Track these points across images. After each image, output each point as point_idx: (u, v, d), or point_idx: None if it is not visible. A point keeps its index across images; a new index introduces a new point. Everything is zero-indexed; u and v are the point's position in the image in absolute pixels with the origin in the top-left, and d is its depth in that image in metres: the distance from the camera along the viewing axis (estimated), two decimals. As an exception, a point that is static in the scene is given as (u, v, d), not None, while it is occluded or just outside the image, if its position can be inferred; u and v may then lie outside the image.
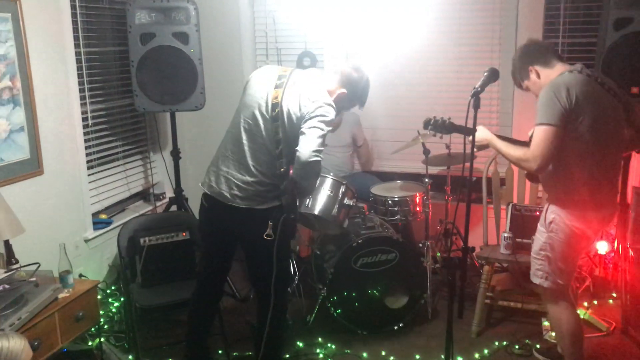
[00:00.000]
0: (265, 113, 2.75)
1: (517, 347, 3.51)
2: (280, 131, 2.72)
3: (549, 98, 2.64)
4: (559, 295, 2.96)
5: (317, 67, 4.96)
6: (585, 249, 3.00)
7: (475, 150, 2.84)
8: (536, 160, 2.67)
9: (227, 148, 2.85)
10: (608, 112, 2.74)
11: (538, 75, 2.84)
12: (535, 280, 2.98)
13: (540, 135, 2.66)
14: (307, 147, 2.61)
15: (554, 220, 2.83)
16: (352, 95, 2.92)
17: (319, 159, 2.63)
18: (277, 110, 2.71)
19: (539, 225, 2.95)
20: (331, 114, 2.70)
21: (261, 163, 2.76)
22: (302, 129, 2.65)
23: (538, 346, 3.46)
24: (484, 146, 2.97)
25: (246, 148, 2.78)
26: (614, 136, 2.78)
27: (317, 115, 2.65)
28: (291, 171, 2.72)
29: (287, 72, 2.82)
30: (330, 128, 2.70)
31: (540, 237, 2.92)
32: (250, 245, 2.90)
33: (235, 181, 2.78)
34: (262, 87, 2.80)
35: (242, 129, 2.80)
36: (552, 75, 2.77)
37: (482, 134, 2.94)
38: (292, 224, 2.87)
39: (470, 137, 2.80)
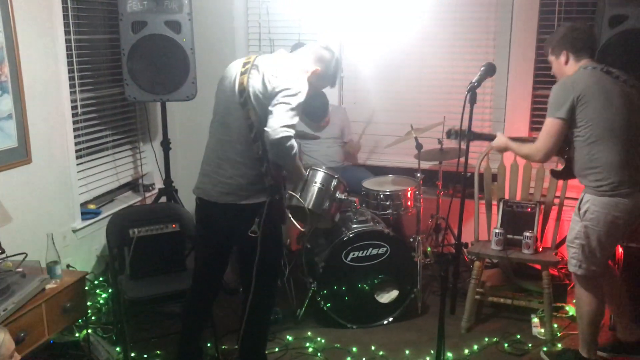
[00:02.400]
0: (235, 102, 2.73)
1: (506, 344, 3.51)
2: (252, 114, 2.69)
3: (558, 92, 2.88)
4: (590, 282, 3.05)
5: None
6: (621, 237, 3.11)
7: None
8: (539, 152, 2.94)
9: (209, 148, 2.87)
10: (617, 99, 2.86)
11: (566, 61, 2.99)
12: (570, 268, 3.07)
13: (545, 128, 2.91)
14: (274, 123, 2.56)
15: (588, 209, 2.92)
16: (325, 73, 2.90)
17: (288, 133, 2.56)
18: (244, 95, 2.70)
19: (573, 215, 3.03)
20: (297, 87, 2.64)
21: (240, 153, 2.74)
22: (270, 108, 2.62)
23: (545, 349, 3.45)
24: (502, 150, 3.28)
25: (225, 142, 2.79)
26: (631, 121, 2.88)
27: (281, 90, 2.61)
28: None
29: (251, 59, 2.80)
30: (300, 101, 2.65)
31: (574, 226, 3.01)
32: (239, 241, 2.88)
33: (219, 177, 2.78)
34: (229, 79, 2.80)
35: (219, 125, 2.82)
36: (574, 68, 2.96)
37: (500, 140, 3.21)
38: (279, 207, 2.82)
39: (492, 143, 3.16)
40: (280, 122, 2.56)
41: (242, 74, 2.74)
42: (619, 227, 2.92)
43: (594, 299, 3.06)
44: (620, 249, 3.70)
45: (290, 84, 2.63)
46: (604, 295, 3.13)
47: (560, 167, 3.22)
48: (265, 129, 2.58)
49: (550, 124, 2.89)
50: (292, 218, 3.35)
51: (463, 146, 2.78)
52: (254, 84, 2.69)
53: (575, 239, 2.99)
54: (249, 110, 2.69)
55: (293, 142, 2.61)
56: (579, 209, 2.96)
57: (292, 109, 2.61)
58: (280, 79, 2.64)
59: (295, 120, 2.63)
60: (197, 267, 3.09)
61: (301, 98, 2.65)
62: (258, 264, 2.80)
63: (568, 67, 2.98)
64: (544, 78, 4.41)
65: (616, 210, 2.87)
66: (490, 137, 3.19)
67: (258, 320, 2.98)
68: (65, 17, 3.87)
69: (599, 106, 2.83)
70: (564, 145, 3.00)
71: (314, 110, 4.43)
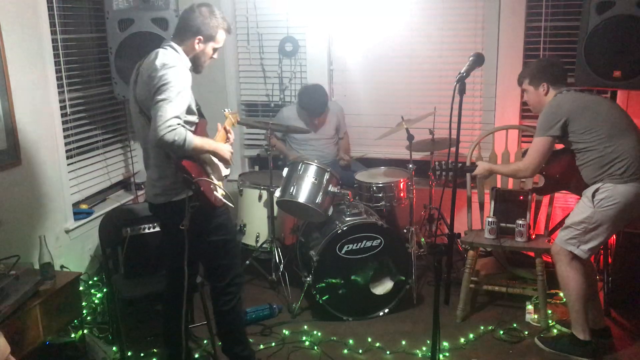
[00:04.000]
0: (136, 112, 2.73)
1: (502, 332, 3.53)
2: (148, 121, 2.63)
3: (547, 113, 3.13)
4: (577, 260, 3.16)
5: (298, 53, 4.93)
6: (622, 227, 3.29)
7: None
8: (529, 170, 3.20)
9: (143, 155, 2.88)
10: (604, 103, 3.18)
11: (546, 92, 3.23)
12: (568, 247, 3.14)
13: (533, 146, 3.16)
14: (153, 128, 2.50)
15: (605, 197, 3.03)
16: (208, 36, 2.76)
17: (168, 130, 2.46)
18: (138, 104, 2.69)
19: (584, 199, 3.12)
20: (167, 76, 2.53)
21: (156, 157, 2.73)
22: (152, 109, 2.56)
23: (526, 332, 3.50)
24: (487, 176, 3.51)
25: (145, 150, 2.80)
26: (619, 116, 3.14)
27: (156, 90, 2.53)
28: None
29: (142, 62, 2.73)
30: (177, 86, 2.53)
31: (584, 211, 3.10)
32: (174, 236, 2.81)
33: (151, 181, 2.81)
34: (130, 87, 2.78)
35: (137, 134, 2.84)
36: (543, 99, 3.25)
37: (482, 166, 3.42)
38: (198, 197, 2.71)
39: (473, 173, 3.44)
40: (159, 121, 2.48)
41: (134, 82, 2.72)
42: (630, 214, 3.09)
43: (580, 274, 3.16)
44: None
45: (165, 77, 2.54)
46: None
47: (540, 184, 3.47)
48: (150, 131, 2.54)
49: (541, 142, 3.12)
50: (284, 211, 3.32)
51: (454, 135, 2.78)
52: (140, 90, 2.66)
53: (582, 223, 3.09)
54: (144, 117, 2.67)
55: (176, 132, 2.49)
56: (593, 196, 3.05)
57: (170, 101, 2.51)
58: (155, 76, 2.55)
59: (177, 109, 2.53)
60: (168, 267, 3.07)
61: (178, 84, 2.55)
62: (212, 254, 2.87)
63: (547, 98, 3.22)
64: (533, 66, 4.42)
65: (634, 196, 3.01)
66: (470, 169, 3.47)
67: (226, 310, 3.00)
68: (51, 16, 3.83)
69: (590, 115, 3.06)
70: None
71: (313, 107, 4.42)
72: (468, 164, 3.88)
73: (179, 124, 2.52)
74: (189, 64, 2.76)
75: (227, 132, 2.95)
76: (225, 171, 2.94)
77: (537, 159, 3.16)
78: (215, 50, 2.84)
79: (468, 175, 3.87)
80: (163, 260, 3.21)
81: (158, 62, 2.59)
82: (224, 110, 3.05)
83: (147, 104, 2.60)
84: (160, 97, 2.52)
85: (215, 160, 2.84)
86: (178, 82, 2.56)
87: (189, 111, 2.68)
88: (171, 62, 2.61)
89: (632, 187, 3.00)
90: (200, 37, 2.75)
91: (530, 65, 3.36)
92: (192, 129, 2.72)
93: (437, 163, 3.58)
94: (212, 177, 2.81)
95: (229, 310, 2.99)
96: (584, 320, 3.20)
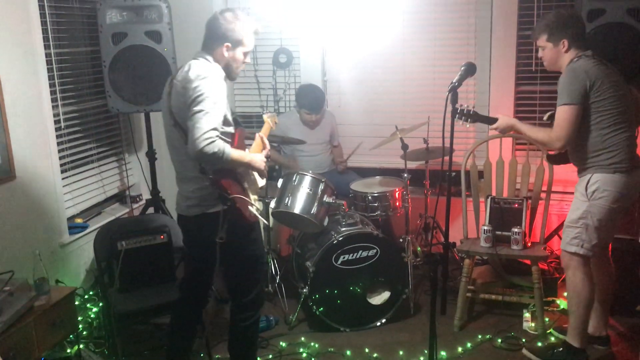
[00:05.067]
0: (170, 125, 2.72)
1: (499, 340, 3.53)
2: (184, 134, 2.63)
3: (569, 80, 2.90)
4: (586, 264, 3.09)
5: (292, 64, 4.94)
6: (620, 218, 3.17)
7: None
8: (560, 140, 2.94)
9: (174, 167, 2.86)
10: (622, 85, 3.00)
11: (567, 49, 3.01)
12: (571, 248, 3.07)
13: (562, 115, 2.91)
14: (191, 140, 2.50)
15: (598, 188, 2.96)
16: (236, 41, 2.73)
17: (209, 142, 2.47)
18: (173, 117, 2.67)
19: (577, 197, 3.05)
20: (203, 87, 2.54)
21: (192, 169, 2.72)
22: (187, 121, 2.56)
23: (524, 340, 3.49)
24: (508, 129, 3.20)
25: (179, 162, 2.78)
26: (631, 104, 3.04)
27: (192, 101, 2.54)
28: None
29: (174, 75, 2.74)
30: (213, 97, 2.53)
31: (580, 207, 3.03)
32: (209, 249, 2.80)
33: (184, 193, 2.79)
34: (163, 100, 2.78)
35: (169, 147, 2.81)
36: (569, 57, 3.01)
37: (505, 120, 3.17)
38: (233, 212, 2.71)
39: (492, 126, 3.17)
40: (196, 134, 2.48)
41: (168, 94, 2.70)
42: (623, 205, 3.04)
43: (589, 281, 3.10)
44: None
45: (199, 88, 2.54)
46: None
47: (553, 152, 3.27)
48: (187, 145, 2.54)
49: (567, 111, 2.90)
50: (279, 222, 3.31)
51: (447, 144, 2.78)
52: (175, 102, 2.65)
53: (580, 219, 3.03)
54: (180, 130, 2.66)
55: (215, 146, 2.50)
56: (586, 189, 3.00)
57: (206, 113, 2.51)
58: (189, 88, 2.56)
59: (214, 121, 2.52)
60: (185, 279, 3.07)
61: (214, 96, 2.55)
62: (240, 269, 2.81)
63: (567, 56, 3.02)
64: (526, 74, 4.45)
65: (624, 188, 2.96)
66: (490, 120, 3.19)
67: (246, 325, 2.97)
68: (44, 31, 3.84)
69: (610, 93, 2.91)
70: None
71: (313, 102, 4.42)
72: (463, 173, 3.88)
73: (217, 136, 2.52)
74: (223, 73, 2.74)
75: (262, 140, 2.93)
76: (261, 182, 2.95)
77: (568, 129, 2.92)
78: (246, 54, 2.81)
79: (463, 183, 3.88)
80: (163, 273, 3.22)
81: (192, 74, 2.59)
82: (263, 115, 3.05)
83: (183, 115, 2.60)
84: (196, 109, 2.51)
85: (251, 171, 2.86)
86: (213, 93, 2.56)
87: (225, 122, 2.67)
88: (204, 72, 2.60)
89: (620, 177, 2.95)
90: (228, 44, 2.72)
91: (548, 17, 3.07)
92: (229, 140, 2.71)
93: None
94: (248, 191, 2.82)
95: (249, 326, 2.97)
96: (583, 328, 3.17)
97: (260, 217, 2.83)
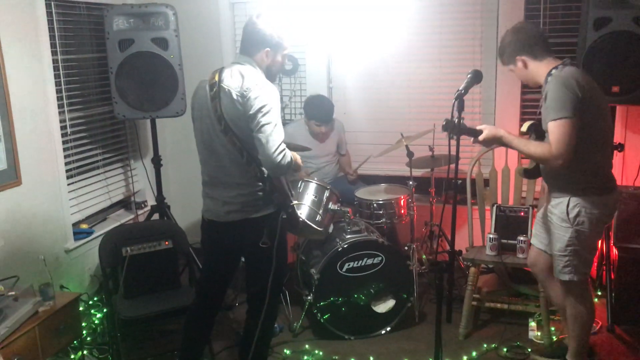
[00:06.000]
0: (216, 130, 2.70)
1: (505, 349, 3.50)
2: (236, 140, 2.66)
3: (562, 92, 2.67)
4: (585, 287, 3.01)
5: (298, 71, 4.95)
6: (601, 235, 3.09)
7: (484, 147, 2.86)
8: (562, 157, 2.68)
9: (205, 173, 2.85)
10: (604, 100, 2.87)
11: (525, 65, 2.88)
12: (564, 277, 2.95)
13: (559, 130, 2.67)
14: (267, 151, 2.55)
15: (579, 213, 2.83)
16: (275, 45, 2.76)
17: (283, 154, 2.58)
18: (223, 123, 2.66)
19: (558, 223, 2.90)
20: (268, 98, 2.58)
21: (239, 176, 2.73)
22: (253, 132, 2.59)
23: (529, 350, 3.47)
24: (492, 142, 2.89)
25: (219, 168, 2.77)
26: (610, 121, 2.95)
27: (257, 110, 2.57)
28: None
29: (216, 78, 2.73)
30: (277, 110, 2.61)
31: (564, 234, 2.89)
32: (251, 254, 2.87)
33: (224, 198, 2.78)
34: (202, 105, 2.76)
35: (208, 152, 2.80)
36: (542, 68, 2.83)
37: (490, 131, 2.84)
38: (291, 217, 2.87)
39: (479, 138, 2.84)
40: (271, 147, 2.55)
41: (213, 99, 2.69)
42: (605, 224, 2.98)
43: (590, 302, 3.04)
44: (615, 250, 3.72)
45: (262, 98, 2.58)
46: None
47: (531, 165, 3.11)
48: (260, 157, 2.59)
49: (565, 125, 2.66)
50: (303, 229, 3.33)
51: (453, 152, 2.76)
52: (228, 109, 2.65)
53: (568, 247, 2.88)
54: (232, 136, 2.67)
55: (287, 156, 2.62)
56: (567, 214, 2.86)
57: (275, 125, 2.58)
58: (250, 97, 2.58)
59: (282, 132, 2.62)
60: (202, 284, 3.07)
61: (277, 106, 2.63)
62: (274, 273, 2.82)
63: (534, 69, 2.86)
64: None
65: (605, 208, 2.87)
66: (476, 133, 2.85)
67: (267, 329, 2.99)
68: (52, 37, 3.87)
69: (595, 107, 2.74)
70: None
71: (322, 113, 4.42)
72: (468, 181, 3.87)
73: (285, 148, 2.59)
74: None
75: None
76: None
77: (569, 145, 2.67)
78: (284, 56, 2.84)
79: (468, 191, 3.86)
80: (168, 280, 3.23)
81: (249, 82, 2.62)
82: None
83: (242, 124, 2.62)
84: (264, 121, 2.55)
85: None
86: (276, 103, 2.61)
87: None
88: (261, 81, 2.65)
89: (600, 199, 2.83)
90: (268, 49, 2.75)
91: (503, 39, 2.94)
92: None
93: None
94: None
95: (266, 329, 2.98)
96: (586, 347, 3.13)
97: (309, 222, 2.97)
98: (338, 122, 4.72)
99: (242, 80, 2.63)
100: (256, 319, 2.90)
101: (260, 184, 2.73)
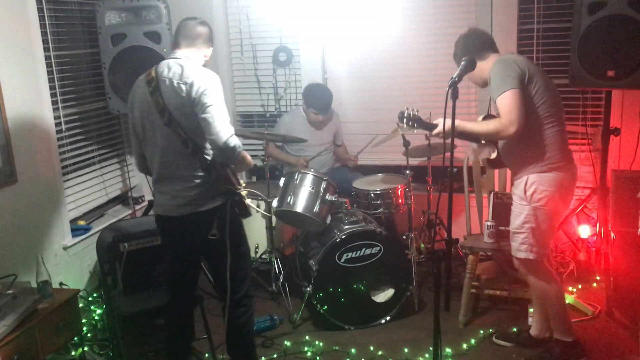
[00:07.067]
0: (159, 124, 2.70)
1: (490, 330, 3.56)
2: (180, 131, 2.66)
3: (501, 69, 2.84)
4: (542, 266, 3.06)
5: (292, 62, 4.93)
6: (564, 213, 3.16)
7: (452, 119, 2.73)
8: (514, 124, 2.77)
9: (154, 169, 2.84)
10: (548, 78, 2.97)
11: (483, 59, 3.00)
12: (521, 254, 3.03)
13: (506, 101, 2.79)
14: (213, 129, 2.59)
15: (535, 190, 2.91)
16: (205, 40, 2.87)
17: (234, 139, 2.63)
18: (166, 115, 2.66)
19: (517, 201, 3.01)
20: (210, 82, 2.65)
21: (185, 168, 2.74)
22: (201, 116, 2.60)
23: (492, 331, 3.53)
24: (448, 134, 2.76)
25: (166, 163, 2.76)
26: (560, 99, 3.00)
27: (201, 93, 2.60)
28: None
29: (152, 74, 2.74)
30: (221, 93, 2.66)
31: (521, 211, 2.99)
32: (206, 248, 2.86)
33: (173, 192, 2.78)
34: (142, 103, 2.76)
35: (153, 148, 2.79)
36: (486, 65, 2.96)
37: (444, 124, 2.80)
38: (240, 205, 2.82)
39: (433, 132, 2.95)
40: (218, 125, 2.59)
41: (153, 93, 2.69)
42: (565, 201, 3.01)
43: (553, 278, 3.08)
44: (612, 235, 3.72)
45: (204, 82, 2.63)
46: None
47: (494, 155, 3.20)
48: (208, 137, 2.62)
49: (509, 96, 2.77)
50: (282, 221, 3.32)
51: (448, 141, 2.76)
52: (171, 98, 2.65)
53: (525, 224, 2.97)
54: (176, 127, 2.66)
55: (235, 138, 2.65)
56: (525, 192, 2.94)
57: (220, 105, 2.63)
58: (193, 82, 2.62)
59: (227, 113, 2.67)
60: (170, 282, 3.05)
61: (219, 89, 2.68)
62: (231, 265, 2.81)
63: (480, 67, 2.93)
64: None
65: (562, 185, 2.92)
66: (431, 127, 2.97)
67: (241, 322, 2.97)
68: (44, 33, 3.84)
69: (540, 85, 2.85)
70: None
71: (322, 102, 4.43)
72: (465, 168, 3.86)
73: (233, 130, 2.63)
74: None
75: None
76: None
77: (518, 111, 2.76)
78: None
79: (465, 179, 3.86)
80: (163, 275, 3.21)
81: (189, 70, 2.67)
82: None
83: (185, 109, 2.64)
84: (209, 102, 2.60)
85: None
86: (217, 86, 2.68)
87: None
88: (200, 68, 2.73)
89: (556, 175, 2.89)
90: (202, 43, 2.85)
91: (457, 46, 3.07)
92: None
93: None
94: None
95: (244, 322, 2.98)
96: (568, 320, 3.17)
97: (259, 209, 2.85)
98: (335, 114, 4.72)
99: (182, 69, 2.68)
100: (230, 314, 2.94)
101: (205, 174, 2.72)
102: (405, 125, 3.04)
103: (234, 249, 2.82)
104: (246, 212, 2.85)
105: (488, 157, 3.26)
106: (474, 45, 3.01)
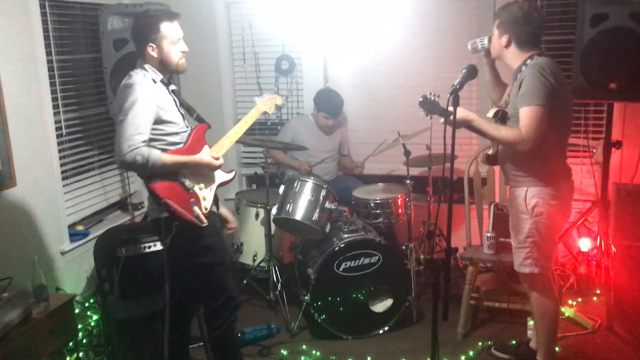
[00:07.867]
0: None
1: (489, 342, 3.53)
2: None
3: (538, 81, 2.73)
4: (547, 280, 3.01)
5: (294, 71, 4.93)
6: (564, 226, 3.11)
7: (453, 127, 2.73)
8: (531, 142, 2.72)
9: None
10: (569, 92, 2.95)
11: (508, 45, 2.89)
12: (525, 269, 2.98)
13: (531, 115, 2.71)
14: (116, 153, 2.53)
15: (537, 204, 2.86)
16: (151, 37, 2.68)
17: (130, 156, 2.47)
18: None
19: (516, 214, 2.96)
20: (123, 92, 2.56)
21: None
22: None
23: (491, 343, 3.50)
24: (462, 124, 2.85)
25: None
26: (571, 113, 2.98)
27: (119, 108, 2.58)
28: None
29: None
30: (131, 104, 2.52)
31: (524, 225, 2.92)
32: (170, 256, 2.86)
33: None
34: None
35: None
36: (519, 57, 2.87)
37: (461, 113, 2.80)
38: (177, 218, 2.67)
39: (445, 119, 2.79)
40: (117, 151, 2.51)
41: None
42: (563, 215, 2.98)
43: (554, 296, 3.05)
44: (613, 248, 3.70)
45: (120, 97, 2.59)
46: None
47: (492, 152, 3.13)
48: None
49: (538, 112, 2.70)
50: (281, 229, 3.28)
51: (448, 150, 2.74)
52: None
53: (528, 238, 2.91)
54: None
55: (138, 154, 2.49)
56: (525, 205, 2.88)
57: (122, 120, 2.52)
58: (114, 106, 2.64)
59: (136, 127, 2.51)
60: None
61: (130, 101, 2.53)
62: (192, 278, 2.85)
63: (508, 52, 2.89)
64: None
65: (561, 200, 2.89)
66: (446, 113, 2.78)
67: (219, 334, 2.95)
68: (46, 37, 3.85)
69: (561, 99, 2.79)
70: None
71: (333, 106, 4.45)
72: (466, 179, 3.85)
73: (143, 142, 2.50)
74: (158, 76, 2.71)
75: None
76: (224, 177, 2.90)
77: (538, 131, 2.71)
78: (174, 43, 2.75)
79: (466, 190, 3.84)
80: (158, 280, 3.18)
81: (120, 92, 2.62)
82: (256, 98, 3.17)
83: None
84: (119, 118, 2.54)
85: (206, 171, 2.80)
86: (129, 98, 2.53)
87: (163, 122, 2.64)
88: (130, 80, 2.60)
89: (555, 189, 2.86)
90: (151, 43, 2.68)
91: (507, 7, 2.90)
92: (178, 139, 2.71)
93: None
94: (195, 190, 2.72)
95: (221, 335, 2.94)
96: (554, 347, 3.13)
97: (201, 216, 2.68)
98: (345, 121, 4.73)
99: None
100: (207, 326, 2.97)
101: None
102: (423, 110, 2.94)
103: (190, 261, 2.80)
104: (187, 223, 2.66)
105: (487, 152, 3.21)
106: (521, 33, 2.83)
